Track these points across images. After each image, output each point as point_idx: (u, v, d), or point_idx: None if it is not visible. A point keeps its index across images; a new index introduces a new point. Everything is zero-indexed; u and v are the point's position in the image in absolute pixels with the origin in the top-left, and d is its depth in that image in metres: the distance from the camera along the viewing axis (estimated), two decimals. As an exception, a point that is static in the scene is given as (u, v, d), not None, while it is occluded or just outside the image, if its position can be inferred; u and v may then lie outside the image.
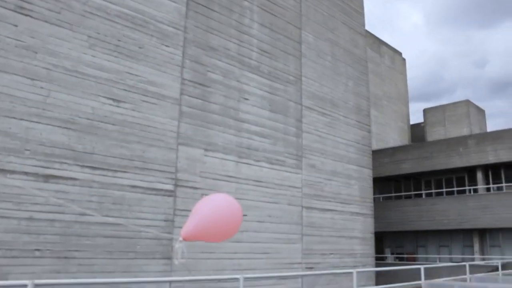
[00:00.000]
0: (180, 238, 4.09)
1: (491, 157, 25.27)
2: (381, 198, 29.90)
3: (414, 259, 27.55)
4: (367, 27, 41.56)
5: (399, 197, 29.33)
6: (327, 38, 16.34)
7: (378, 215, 27.68)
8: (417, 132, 45.72)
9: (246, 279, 8.45)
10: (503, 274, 15.96)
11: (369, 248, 16.46)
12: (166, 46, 11.30)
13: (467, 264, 12.26)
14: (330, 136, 15.45)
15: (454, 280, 11.57)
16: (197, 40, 12.02)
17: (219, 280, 11.18)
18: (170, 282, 10.38)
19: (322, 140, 15.08)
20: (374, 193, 30.16)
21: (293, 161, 13.89)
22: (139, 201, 10.21)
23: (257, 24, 13.78)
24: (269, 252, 12.71)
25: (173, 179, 10.85)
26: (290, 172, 13.71)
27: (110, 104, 10.12)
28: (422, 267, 10.04)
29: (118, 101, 10.25)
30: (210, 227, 4.16)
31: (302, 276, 13.47)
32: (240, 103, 12.72)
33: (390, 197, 29.66)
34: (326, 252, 14.55)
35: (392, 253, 28.81)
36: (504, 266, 19.10)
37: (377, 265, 26.62)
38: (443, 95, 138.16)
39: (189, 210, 10.83)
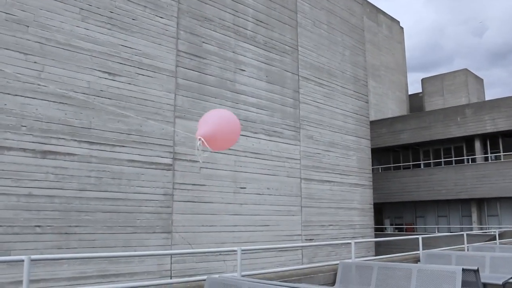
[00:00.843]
0: (198, 137, 5.00)
1: (489, 126, 25.23)
2: (380, 169, 29.98)
3: (413, 230, 27.77)
4: (365, -3, 41.09)
5: (398, 168, 29.40)
6: (323, 7, 16.07)
7: (377, 186, 27.79)
8: (415, 102, 45.61)
9: (244, 251, 8.49)
10: (500, 243, 16.10)
11: (368, 219, 16.54)
12: (160, 17, 11.07)
13: (464, 233, 12.33)
14: (328, 107, 15.34)
15: (452, 249, 11.65)
16: (191, 11, 11.79)
17: (219, 253, 11.24)
18: (171, 255, 10.41)
19: (319, 111, 14.97)
20: (373, 164, 30.22)
21: (291, 132, 13.81)
22: (137, 175, 10.16)
23: (252, -6, 13.51)
24: (268, 225, 12.75)
25: (171, 152, 10.78)
26: (288, 143, 13.65)
27: (106, 78, 9.97)
28: (420, 237, 10.07)
29: (114, 74, 10.09)
30: (220, 129, 5.09)
31: (302, 247, 13.56)
32: (237, 74, 12.56)
33: (388, 168, 29.73)
34: (325, 223, 14.62)
35: (391, 224, 29.04)
36: (502, 235, 19.27)
37: (376, 236, 26.85)
38: (441, 65, 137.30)
39: (189, 184, 10.81)
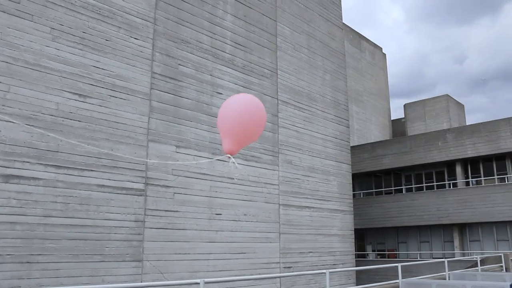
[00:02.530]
0: (228, 155, 4.43)
1: (470, 151, 25.25)
2: (361, 194, 29.77)
3: (396, 256, 27.45)
4: (347, 23, 41.49)
5: (380, 193, 29.21)
6: (303, 31, 16.00)
7: (359, 212, 27.52)
8: (398, 128, 45.81)
9: (206, 283, 8.10)
10: (482, 270, 15.84)
11: (349, 246, 16.20)
12: (135, 38, 10.82)
13: (445, 260, 12.05)
14: (307, 131, 15.11)
15: (433, 277, 11.34)
16: (167, 33, 11.56)
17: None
18: None
19: (299, 135, 14.73)
20: (355, 189, 30.03)
21: (269, 157, 13.52)
22: (107, 201, 9.74)
23: (230, 16, 13.36)
24: (245, 252, 12.34)
25: (143, 177, 10.40)
26: (266, 168, 13.34)
27: (76, 100, 9.63)
28: (399, 265, 9.76)
29: (84, 96, 9.75)
30: (244, 132, 4.38)
31: (280, 276, 13.14)
32: (214, 97, 12.30)
33: (370, 193, 29.53)
34: (305, 250, 14.24)
35: (373, 250, 28.68)
36: (484, 261, 19.04)
37: (358, 263, 26.44)
38: (423, 91, 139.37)
39: (161, 210, 10.41)
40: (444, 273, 11.91)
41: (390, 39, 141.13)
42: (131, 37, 10.75)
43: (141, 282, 9.85)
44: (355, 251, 28.65)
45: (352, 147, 29.90)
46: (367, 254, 28.60)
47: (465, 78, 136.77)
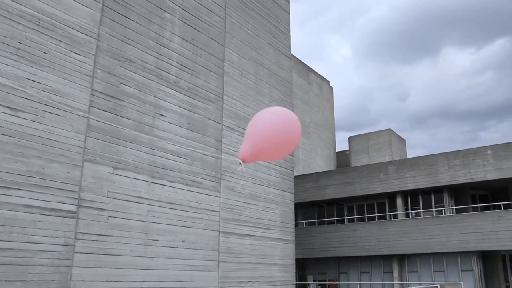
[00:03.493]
0: (239, 161, 3.98)
1: (410, 183, 25.92)
2: (304, 224, 29.82)
3: (336, 286, 27.47)
4: (297, 55, 42.29)
5: (322, 223, 29.36)
6: (251, 57, 16.01)
7: (301, 241, 27.46)
8: (342, 159, 46.64)
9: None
10: (420, 301, 16.00)
11: (290, 276, 15.98)
12: (76, 53, 10.39)
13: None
14: (252, 158, 14.95)
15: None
16: (111, 50, 11.20)
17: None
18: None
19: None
20: (298, 219, 30.05)
21: (211, 183, 13.22)
22: (34, 222, 9.10)
23: (178, 38, 13.17)
24: (182, 281, 11.86)
25: (76, 198, 9.83)
26: (207, 194, 13.02)
27: (6, 113, 9.04)
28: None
29: (16, 110, 9.18)
30: (267, 145, 3.95)
31: (217, 305, 12.71)
32: (156, 119, 11.95)
33: (313, 223, 29.64)
34: (244, 279, 13.89)
35: (314, 280, 28.60)
36: (421, 293, 19.31)
37: (298, 292, 26.26)
38: (368, 126, 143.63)
39: (94, 234, 9.86)
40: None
41: (338, 75, 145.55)
42: (72, 51, 10.31)
43: (67, 311, 9.20)
44: (296, 281, 28.48)
45: (296, 176, 30.02)
46: (308, 284, 28.48)
47: (407, 115, 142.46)
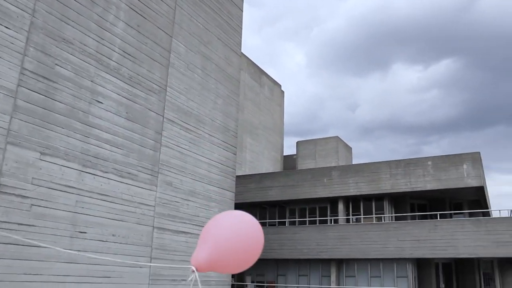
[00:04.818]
0: (192, 268, 3.22)
1: (352, 189, 26.22)
2: (246, 224, 29.55)
3: (274, 288, 27.39)
4: (252, 59, 42.14)
5: (264, 224, 29.21)
6: (199, 51, 15.60)
7: (241, 242, 27.17)
8: (289, 164, 46.84)
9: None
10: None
11: (226, 276, 15.65)
12: (6, 27, 9.65)
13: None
14: (192, 154, 14.53)
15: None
16: (47, 28, 10.51)
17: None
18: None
19: (182, 157, 14.10)
20: (240, 219, 29.72)
21: (147, 176, 12.70)
22: None
23: (122, 23, 12.60)
24: (110, 276, 11.28)
25: (-5, 184, 9.11)
26: (142, 188, 12.49)
27: None
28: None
29: None
30: (228, 255, 3.27)
31: (147, 303, 12.19)
32: (92, 105, 11.34)
33: (255, 224, 29.43)
34: (177, 278, 13.44)
35: (252, 281, 28.39)
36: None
37: (236, 293, 25.96)
38: (317, 133, 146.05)
39: (13, 223, 9.18)
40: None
41: (291, 81, 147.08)
42: (1, 25, 9.58)
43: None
44: (234, 282, 28.18)
45: (239, 176, 29.78)
46: (246, 285, 28.25)
47: (356, 125, 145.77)
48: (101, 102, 11.59)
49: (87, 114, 11.17)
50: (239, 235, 3.36)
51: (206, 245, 3.26)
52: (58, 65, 10.65)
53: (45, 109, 10.18)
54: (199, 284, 3.15)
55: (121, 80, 12.27)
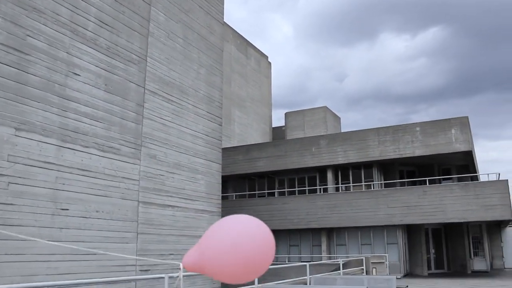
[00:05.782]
0: (180, 265, 2.87)
1: (341, 158, 26.09)
2: (234, 197, 29.44)
3: (265, 259, 27.41)
4: (238, 31, 41.42)
5: (253, 196, 29.13)
6: (180, 20, 15.07)
7: (230, 214, 27.08)
8: (278, 135, 46.61)
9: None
10: (344, 273, 16.08)
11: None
12: (-30, -2, 9.13)
13: (307, 264, 11.84)
14: (176, 125, 14.17)
15: (293, 282, 11.03)
16: (15, -2, 9.96)
17: None
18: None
19: (166, 129, 13.73)
20: (228, 191, 29.63)
21: (130, 149, 12.35)
22: None
23: (96, -9, 12.03)
24: (95, 253, 11.02)
25: (-32, 162, 8.73)
26: (125, 162, 12.16)
27: None
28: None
29: None
30: (226, 261, 2.77)
31: (135, 280, 11.99)
32: (68, 78, 10.88)
33: (243, 196, 29.33)
34: (165, 252, 13.25)
35: (243, 253, 28.41)
36: (347, 264, 19.51)
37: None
38: (306, 104, 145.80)
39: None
40: (305, 277, 11.66)
41: (278, 53, 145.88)
42: (-35, -5, 9.04)
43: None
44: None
45: (227, 148, 29.52)
46: (237, 258, 28.27)
47: (343, 95, 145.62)
48: (78, 75, 11.13)
49: (64, 87, 10.73)
50: (242, 239, 2.79)
51: (202, 245, 2.86)
52: (30, 36, 10.14)
53: (18, 82, 9.72)
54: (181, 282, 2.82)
55: (98, 51, 11.79)
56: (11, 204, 9.33)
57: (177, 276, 2.78)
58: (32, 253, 9.63)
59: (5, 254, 9.15)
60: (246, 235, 2.81)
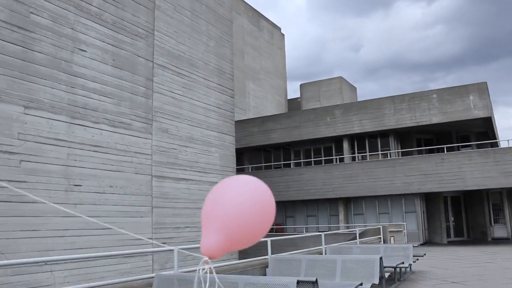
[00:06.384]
0: (205, 258, 2.50)
1: (357, 127, 25.79)
2: (250, 169, 29.45)
3: (283, 230, 27.56)
4: (250, 3, 40.71)
5: (269, 167, 29.09)
6: (186, -9, 14.83)
7: (247, 187, 27.12)
8: (294, 107, 46.29)
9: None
10: (361, 242, 16.02)
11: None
12: (-28, -24, 9.04)
13: (322, 234, 11.79)
14: (187, 99, 14.07)
15: (309, 252, 11.00)
16: (17, -26, 9.85)
17: (45, 263, 9.45)
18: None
19: (177, 103, 13.65)
20: (244, 164, 29.65)
21: (141, 124, 12.32)
22: None
23: (100, -35, 11.85)
24: (111, 228, 11.10)
25: (-21, 141, 8.78)
26: (137, 136, 12.15)
27: None
28: (269, 239, 9.20)
29: None
30: (238, 235, 2.64)
31: (152, 253, 12.12)
32: (75, 54, 10.81)
33: (259, 168, 29.31)
34: (181, 225, 13.33)
35: (261, 225, 28.51)
36: (364, 233, 19.45)
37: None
38: (321, 76, 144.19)
39: (3, 180, 8.90)
40: (320, 247, 11.62)
41: (292, 25, 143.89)
42: (-33, -26, 8.96)
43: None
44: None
45: (242, 120, 29.40)
46: (255, 230, 28.39)
47: (360, 66, 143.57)
48: (84, 51, 11.05)
49: (71, 64, 10.67)
50: (247, 207, 2.64)
51: (213, 228, 2.62)
52: (34, 13, 10.05)
53: (24, 60, 9.69)
54: (215, 275, 2.44)
55: (104, 26, 11.67)
56: (24, 181, 9.41)
57: (205, 271, 2.43)
58: (47, 229, 9.74)
59: (21, 231, 9.28)
60: (247, 194, 2.67)
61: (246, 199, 2.69)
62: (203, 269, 2.47)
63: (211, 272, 2.43)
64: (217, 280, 2.53)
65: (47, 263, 9.53)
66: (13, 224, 9.13)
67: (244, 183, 2.82)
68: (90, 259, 10.36)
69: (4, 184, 3.33)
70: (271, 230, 27.82)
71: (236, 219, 2.61)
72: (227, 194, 2.74)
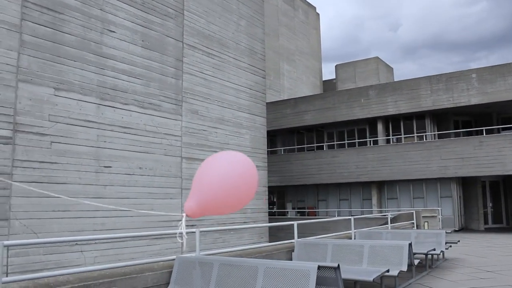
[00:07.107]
0: (183, 213, 3.16)
1: (391, 108, 25.14)
2: (282, 151, 29.25)
3: (315, 213, 27.37)
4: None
5: (302, 150, 28.80)
6: (217, -30, 14.57)
7: (279, 169, 27.03)
8: (329, 88, 45.65)
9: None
10: (392, 227, 15.69)
11: (261, 203, 15.46)
12: (2, -43, 9.06)
13: (352, 218, 11.54)
14: (217, 80, 13.93)
15: (337, 236, 10.78)
16: (47, -45, 9.83)
17: (75, 243, 9.59)
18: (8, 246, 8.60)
19: (207, 84, 13.53)
20: (277, 146, 29.49)
21: (170, 105, 12.27)
22: (-38, 149, 8.23)
23: None
24: (141, 209, 11.20)
25: (10, 123, 8.89)
26: (167, 118, 12.11)
27: None
28: (295, 223, 9.04)
29: None
30: (220, 198, 3.20)
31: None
32: (104, 35, 10.79)
33: (292, 150, 29.07)
34: (211, 207, 13.30)
35: (293, 208, 28.46)
36: (397, 218, 19.07)
37: (277, 220, 26.14)
38: (358, 56, 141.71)
39: (34, 161, 9.02)
40: (350, 232, 11.40)
41: (328, 3, 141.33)
42: (-3, -45, 8.98)
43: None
44: (276, 209, 28.35)
45: (274, 102, 29.13)
46: (287, 211, 28.38)
47: (398, 45, 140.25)
48: (113, 31, 11.01)
49: (100, 45, 10.66)
50: (226, 176, 3.21)
51: (194, 191, 3.20)
52: (64, -6, 10.04)
53: (54, 42, 9.72)
54: (184, 230, 3.11)
55: (133, 7, 11.59)
56: (56, 162, 9.51)
57: (180, 224, 3.07)
58: (77, 209, 9.86)
59: (53, 211, 9.42)
60: (228, 169, 3.21)
61: (226, 170, 3.19)
62: (180, 221, 3.04)
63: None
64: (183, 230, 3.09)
65: (77, 243, 9.67)
66: (44, 205, 9.27)
67: (230, 156, 3.33)
68: (119, 239, 10.47)
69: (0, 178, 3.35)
70: (303, 213, 27.70)
71: (213, 185, 3.09)
72: (210, 164, 3.26)
